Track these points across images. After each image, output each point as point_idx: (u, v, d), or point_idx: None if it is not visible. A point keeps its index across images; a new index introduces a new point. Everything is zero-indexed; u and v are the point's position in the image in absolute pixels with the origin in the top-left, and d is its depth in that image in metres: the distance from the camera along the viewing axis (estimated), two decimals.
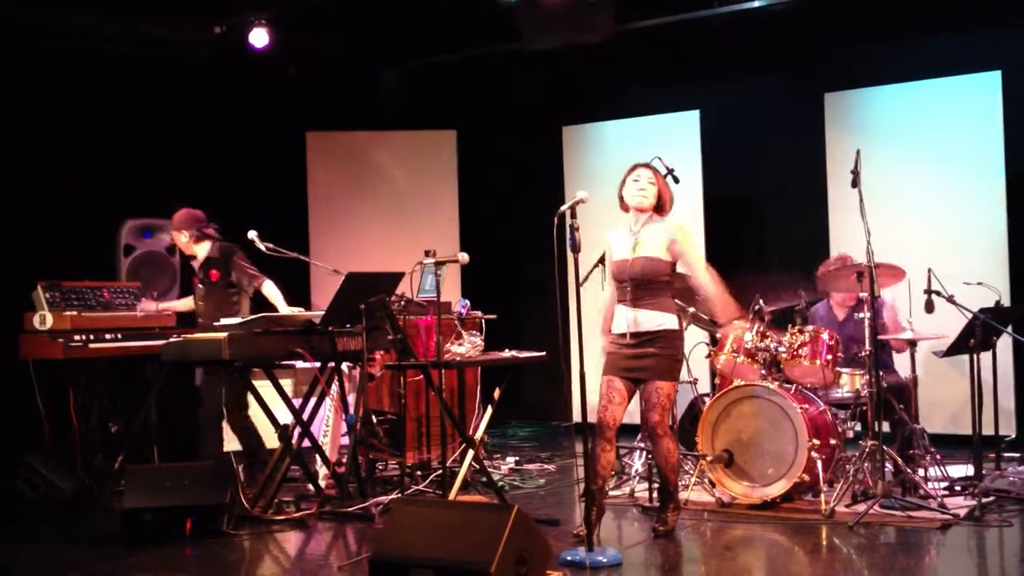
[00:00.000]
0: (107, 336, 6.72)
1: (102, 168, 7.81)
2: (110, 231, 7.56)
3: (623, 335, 5.23)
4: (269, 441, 6.59)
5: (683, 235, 5.26)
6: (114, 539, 5.55)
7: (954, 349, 6.06)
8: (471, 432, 6.52)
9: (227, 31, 8.28)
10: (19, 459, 6.61)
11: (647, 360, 5.18)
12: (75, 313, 6.64)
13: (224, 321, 6.07)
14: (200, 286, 6.73)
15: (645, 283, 5.19)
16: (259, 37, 8.23)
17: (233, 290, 6.65)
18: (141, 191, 7.86)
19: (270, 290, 6.55)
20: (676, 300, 6.11)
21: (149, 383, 6.83)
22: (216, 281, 6.64)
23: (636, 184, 5.29)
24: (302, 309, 6.42)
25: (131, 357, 6.83)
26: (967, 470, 6.11)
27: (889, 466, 5.78)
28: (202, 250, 6.72)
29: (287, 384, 7.19)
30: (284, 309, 6.40)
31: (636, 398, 5.31)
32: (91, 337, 6.64)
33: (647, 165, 5.37)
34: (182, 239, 6.76)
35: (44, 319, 6.57)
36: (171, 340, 6.06)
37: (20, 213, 7.45)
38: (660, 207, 5.32)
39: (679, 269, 5.32)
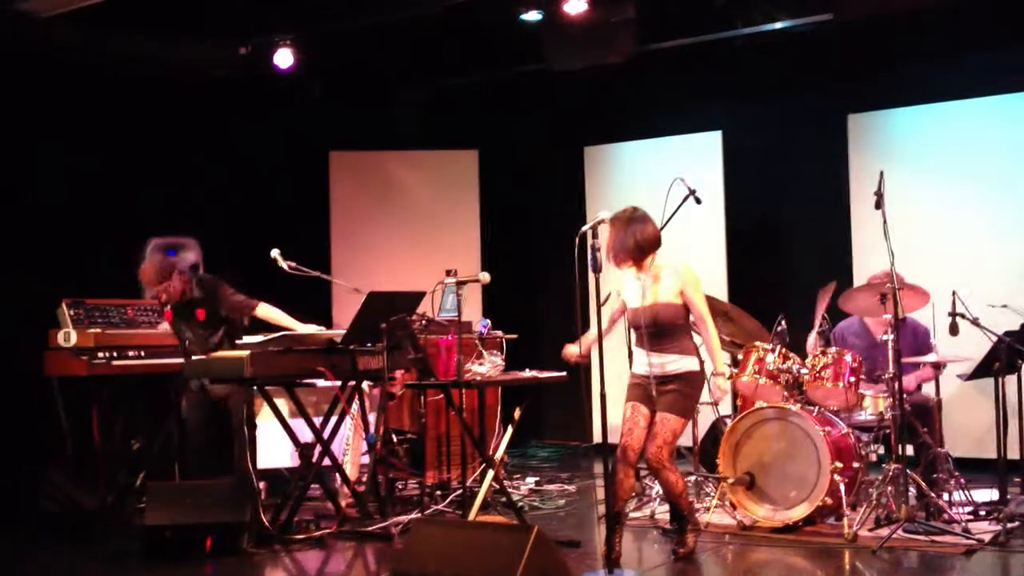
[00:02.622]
0: (130, 353, 6.76)
1: (126, 185, 7.87)
2: (134, 249, 7.61)
3: (645, 376, 5.21)
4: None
5: (692, 283, 5.19)
6: (135, 555, 5.57)
7: (979, 372, 6.01)
8: (491, 452, 6.50)
9: (252, 52, 8.35)
10: (42, 475, 6.65)
11: (665, 395, 5.18)
12: (99, 330, 6.68)
13: (246, 339, 6.07)
14: (182, 326, 6.25)
15: (661, 331, 5.17)
16: (284, 58, 8.29)
17: (223, 324, 6.27)
18: (165, 209, 7.92)
19: (267, 312, 6.21)
20: None
21: (172, 400, 6.86)
22: (203, 321, 6.22)
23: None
24: (322, 328, 6.42)
25: (154, 374, 6.86)
26: (992, 495, 6.05)
27: (913, 490, 5.73)
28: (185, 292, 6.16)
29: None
30: (296, 326, 6.17)
31: None
32: (114, 354, 6.68)
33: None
34: (170, 292, 6.11)
35: (68, 336, 6.62)
36: (193, 358, 6.09)
37: (45, 230, 7.52)
38: (624, 256, 5.15)
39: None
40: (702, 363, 5.29)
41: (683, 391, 5.18)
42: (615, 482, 5.14)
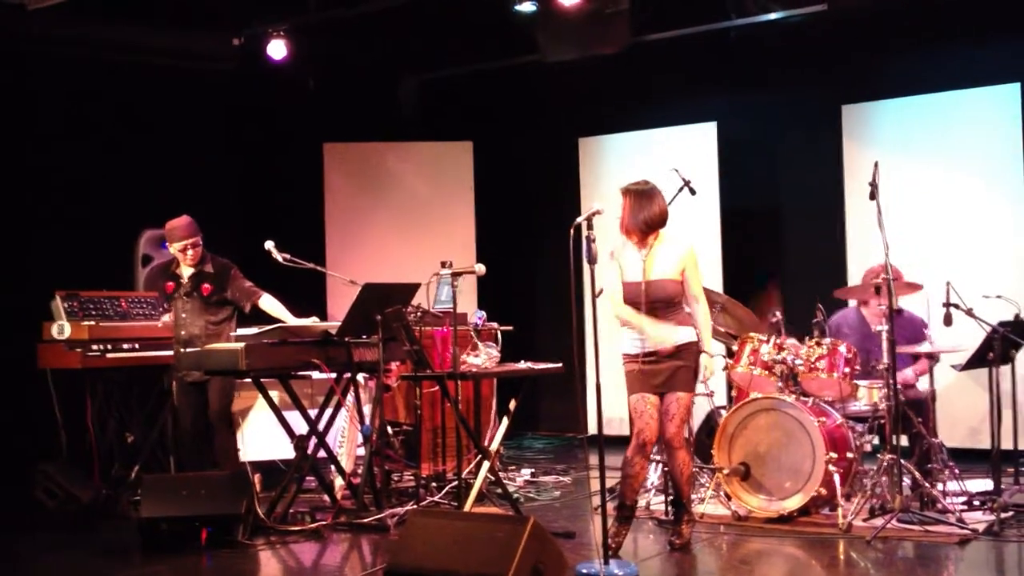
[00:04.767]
0: (124, 346, 6.74)
1: (120, 178, 7.85)
2: (128, 241, 7.60)
3: (642, 354, 5.20)
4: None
5: (692, 263, 5.22)
6: (131, 548, 5.58)
7: (973, 363, 6.03)
8: (487, 443, 6.51)
9: (246, 43, 8.33)
10: (37, 468, 6.64)
11: (671, 373, 5.18)
12: (93, 323, 6.66)
13: (240, 332, 6.06)
14: (183, 300, 6.35)
15: (660, 306, 5.17)
16: (277, 49, 8.28)
17: (225, 306, 6.37)
18: (159, 201, 7.89)
19: (270, 304, 6.29)
20: None
21: (166, 393, 6.85)
22: (207, 296, 6.31)
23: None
24: (316, 319, 6.41)
25: (148, 367, 6.85)
26: (986, 485, 6.07)
27: (907, 480, 5.75)
28: (199, 262, 6.40)
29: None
30: (291, 320, 6.20)
31: None
32: (109, 347, 6.66)
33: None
34: (197, 249, 6.33)
35: (62, 329, 6.59)
36: (187, 350, 6.08)
37: (39, 222, 7.50)
38: (633, 229, 5.21)
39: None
40: (699, 334, 5.30)
41: (688, 364, 5.18)
42: (632, 475, 5.16)
